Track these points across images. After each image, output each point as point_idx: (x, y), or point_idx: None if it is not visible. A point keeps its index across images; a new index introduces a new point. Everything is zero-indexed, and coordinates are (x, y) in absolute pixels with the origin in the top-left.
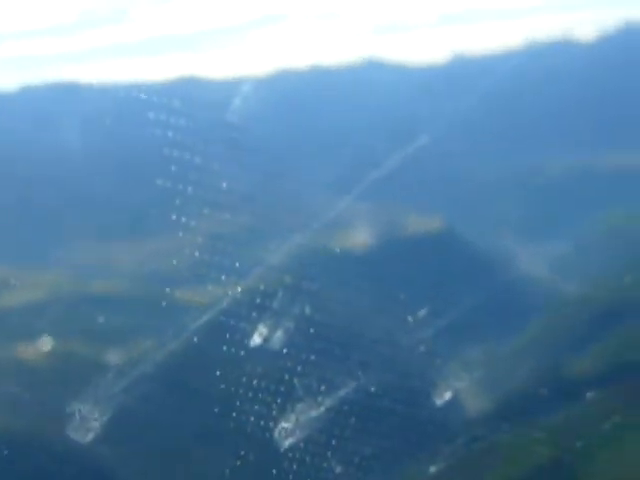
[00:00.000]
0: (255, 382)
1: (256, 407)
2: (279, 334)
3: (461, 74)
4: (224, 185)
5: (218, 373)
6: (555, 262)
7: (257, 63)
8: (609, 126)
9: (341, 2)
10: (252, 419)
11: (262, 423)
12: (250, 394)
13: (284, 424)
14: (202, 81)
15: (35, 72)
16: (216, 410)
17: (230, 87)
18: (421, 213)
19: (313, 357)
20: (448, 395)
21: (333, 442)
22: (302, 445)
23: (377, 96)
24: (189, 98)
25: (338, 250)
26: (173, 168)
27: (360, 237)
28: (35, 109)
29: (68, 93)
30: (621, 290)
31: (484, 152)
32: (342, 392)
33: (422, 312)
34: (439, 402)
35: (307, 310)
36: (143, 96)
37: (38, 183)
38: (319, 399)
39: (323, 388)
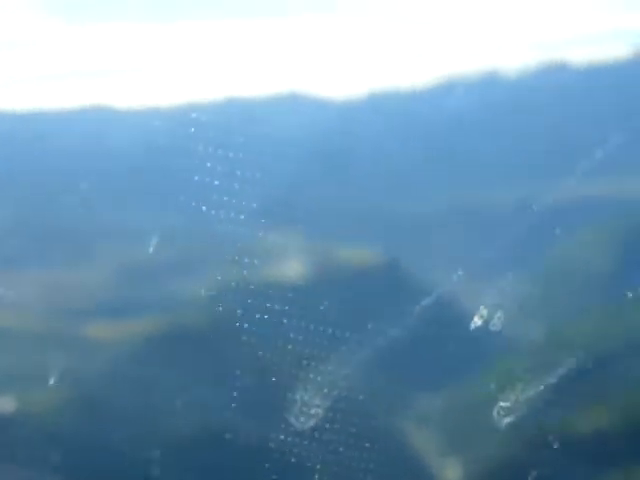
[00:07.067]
0: None
1: None
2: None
3: (382, 110)
4: (143, 215)
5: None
6: (512, 301)
7: (171, 94)
8: (544, 158)
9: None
10: None
11: None
12: None
13: None
14: (113, 111)
15: None
16: None
17: (143, 118)
18: (358, 247)
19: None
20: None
21: None
22: None
23: (298, 129)
24: (100, 127)
25: (265, 286)
26: (83, 194)
27: (291, 273)
28: None
29: None
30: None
31: (417, 187)
32: None
33: (362, 358)
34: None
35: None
36: (49, 121)
37: None
38: None
39: None
